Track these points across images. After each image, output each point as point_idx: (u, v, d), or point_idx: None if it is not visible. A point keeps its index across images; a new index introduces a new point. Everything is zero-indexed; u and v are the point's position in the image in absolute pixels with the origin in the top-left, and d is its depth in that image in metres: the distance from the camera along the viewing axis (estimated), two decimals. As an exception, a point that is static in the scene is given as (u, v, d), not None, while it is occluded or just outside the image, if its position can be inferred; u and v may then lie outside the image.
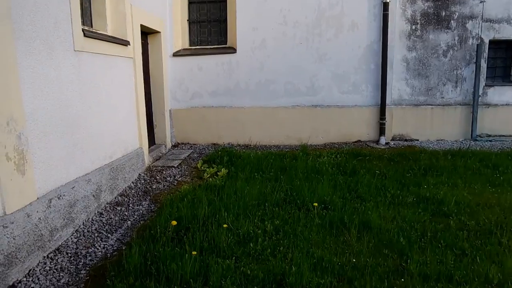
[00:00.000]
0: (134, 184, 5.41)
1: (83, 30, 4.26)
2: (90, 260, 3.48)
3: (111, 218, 4.32)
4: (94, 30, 4.76)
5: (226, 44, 7.79)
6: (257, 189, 4.78)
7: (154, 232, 3.67)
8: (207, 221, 3.90)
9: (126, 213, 4.48)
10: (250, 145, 7.69)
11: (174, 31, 7.60)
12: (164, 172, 5.94)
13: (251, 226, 3.80)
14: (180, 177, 5.79)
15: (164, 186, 5.41)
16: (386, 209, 4.24)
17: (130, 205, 4.74)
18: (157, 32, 6.89)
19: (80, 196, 4.06)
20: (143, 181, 5.55)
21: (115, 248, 3.71)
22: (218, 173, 5.76)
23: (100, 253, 3.62)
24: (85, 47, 4.29)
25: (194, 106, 7.75)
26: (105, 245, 3.75)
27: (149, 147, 6.75)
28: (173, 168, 6.11)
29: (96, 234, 3.95)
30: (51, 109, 3.72)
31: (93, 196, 4.33)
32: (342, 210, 4.17)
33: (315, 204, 4.21)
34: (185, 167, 6.27)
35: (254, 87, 7.56)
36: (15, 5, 3.22)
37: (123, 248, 3.61)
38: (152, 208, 4.65)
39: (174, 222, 3.63)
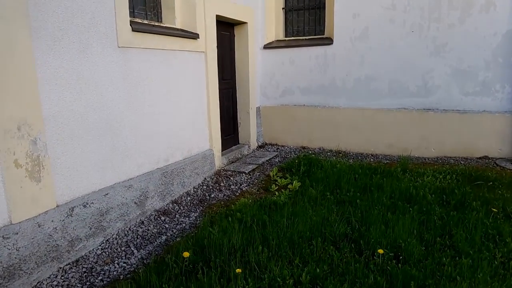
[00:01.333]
0: (195, 190, 5.01)
1: (131, 24, 3.94)
2: (101, 280, 3.16)
3: (148, 230, 3.98)
4: (148, 22, 4.42)
5: (324, 34, 6.78)
6: (319, 216, 3.83)
7: (169, 260, 3.14)
8: (234, 254, 3.19)
9: (167, 226, 4.08)
10: (343, 151, 6.58)
11: (267, 20, 6.94)
12: (232, 178, 5.41)
13: (283, 270, 2.94)
14: (246, 186, 5.17)
15: (224, 195, 4.88)
16: (490, 276, 2.83)
17: (177, 215, 4.34)
18: (244, 23, 6.34)
19: (115, 203, 3.81)
20: (205, 187, 5.12)
21: (132, 268, 3.32)
22: (289, 185, 4.96)
23: (115, 272, 3.27)
24: (133, 43, 3.98)
25: (284, 104, 7.01)
26: (125, 263, 3.39)
27: (227, 148, 6.33)
28: (243, 175, 5.53)
29: (123, 248, 3.63)
30: (83, 111, 3.49)
31: (135, 203, 4.05)
32: (419, 266, 2.95)
33: (381, 251, 3.08)
34: (258, 174, 5.62)
35: (351, 84, 6.39)
36: (33, 1, 3.00)
37: (140, 270, 3.18)
38: (198, 222, 4.15)
39: (186, 254, 3.02)
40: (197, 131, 5.25)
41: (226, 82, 6.29)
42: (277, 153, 6.67)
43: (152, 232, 3.94)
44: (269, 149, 6.95)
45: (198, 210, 4.46)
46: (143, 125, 4.23)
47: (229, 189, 5.06)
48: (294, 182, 4.99)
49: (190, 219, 4.25)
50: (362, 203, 4.17)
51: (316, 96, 6.72)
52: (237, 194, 4.90)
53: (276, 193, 4.71)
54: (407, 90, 5.99)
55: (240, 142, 6.81)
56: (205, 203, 4.64)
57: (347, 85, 6.43)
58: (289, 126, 6.98)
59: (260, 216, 3.90)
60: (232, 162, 6.09)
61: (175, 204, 4.57)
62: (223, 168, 5.75)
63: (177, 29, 4.79)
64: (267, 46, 6.95)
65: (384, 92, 6.15)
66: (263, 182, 5.30)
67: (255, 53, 6.78)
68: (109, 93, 3.76)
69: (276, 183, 5.12)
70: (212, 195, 4.87)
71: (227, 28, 6.21)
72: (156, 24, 4.58)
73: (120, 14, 3.79)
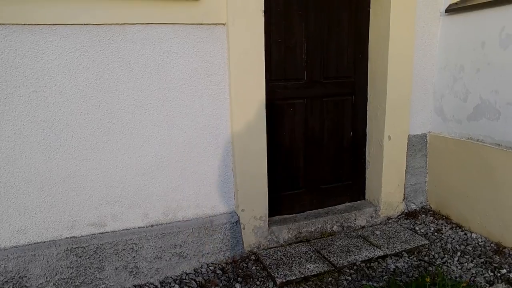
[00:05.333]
0: None
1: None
2: None
3: None
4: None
5: None
6: None
7: None
8: None
9: None
10: None
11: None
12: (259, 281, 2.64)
13: None
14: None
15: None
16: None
17: None
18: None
19: None
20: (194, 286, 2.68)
21: None
22: None
23: None
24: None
25: (474, 137, 3.08)
26: None
27: (317, 205, 3.39)
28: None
29: None
30: None
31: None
32: None
33: None
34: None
35: None
36: None
37: None
38: None
39: None
40: (195, 177, 2.80)
41: (324, 84, 3.25)
42: (429, 242, 3.01)
43: None
44: (420, 227, 3.27)
45: None
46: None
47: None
48: None
49: None
50: None
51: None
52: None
53: None
54: None
55: (367, 197, 3.57)
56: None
57: None
58: (480, 188, 3.02)
59: None
60: (300, 242, 3.13)
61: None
62: (264, 251, 2.97)
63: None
64: (454, 8, 3.15)
65: None
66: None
67: (422, 20, 3.21)
68: None
69: None
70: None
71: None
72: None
73: None
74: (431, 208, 3.54)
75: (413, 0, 3.10)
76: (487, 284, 2.50)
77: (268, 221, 3.09)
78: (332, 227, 3.24)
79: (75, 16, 2.31)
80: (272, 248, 3.03)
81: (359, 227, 3.33)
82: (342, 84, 3.31)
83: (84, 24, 2.35)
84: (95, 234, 2.63)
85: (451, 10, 3.17)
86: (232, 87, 2.71)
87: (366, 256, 2.85)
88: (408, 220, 3.39)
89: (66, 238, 2.56)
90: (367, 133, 3.46)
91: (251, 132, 2.81)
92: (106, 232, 2.65)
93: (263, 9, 2.66)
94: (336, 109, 3.33)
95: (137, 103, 2.57)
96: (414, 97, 3.35)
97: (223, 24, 2.65)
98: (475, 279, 2.56)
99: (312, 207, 3.39)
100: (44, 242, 2.50)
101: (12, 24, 2.21)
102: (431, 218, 3.39)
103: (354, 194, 3.56)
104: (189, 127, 2.72)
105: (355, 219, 3.33)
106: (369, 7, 3.24)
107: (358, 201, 3.56)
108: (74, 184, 2.52)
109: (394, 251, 2.91)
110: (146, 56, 2.53)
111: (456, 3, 3.13)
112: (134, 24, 2.46)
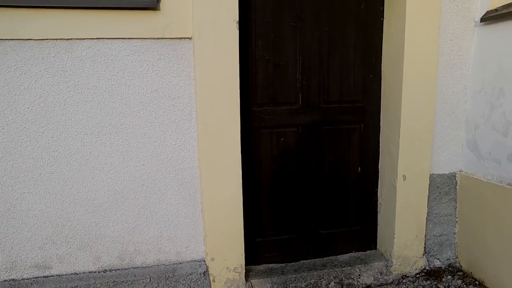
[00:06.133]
0: None
1: None
2: None
3: None
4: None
5: None
6: None
7: None
8: None
9: None
10: None
11: None
12: None
13: None
14: None
15: None
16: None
17: None
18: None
19: None
20: None
21: None
22: None
23: None
24: None
25: (520, 183, 2.35)
26: None
27: (313, 255, 2.82)
28: None
29: None
30: None
31: None
32: None
33: None
34: None
35: None
36: None
37: None
38: None
39: None
40: (156, 217, 2.38)
41: (325, 109, 2.70)
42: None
43: None
44: (447, 292, 2.58)
45: None
46: None
47: None
48: None
49: None
50: None
51: None
52: None
53: None
54: None
55: (378, 246, 2.92)
56: None
57: None
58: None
59: None
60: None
61: None
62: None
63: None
64: (493, 15, 2.47)
65: None
66: None
67: (450, 32, 2.56)
68: None
69: None
70: None
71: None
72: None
73: None
74: (461, 267, 2.81)
75: (436, 6, 2.48)
76: None
77: (249, 271, 2.59)
78: (329, 284, 2.65)
79: (12, 30, 2.02)
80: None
81: (364, 286, 2.70)
82: (348, 110, 2.74)
83: (25, 40, 2.06)
84: (38, 277, 2.30)
85: (488, 18, 2.50)
86: (199, 114, 2.27)
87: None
88: (429, 281, 2.69)
89: (4, 281, 2.25)
90: (379, 170, 2.84)
91: (223, 167, 2.34)
92: (51, 276, 2.32)
93: (237, 19, 2.21)
94: (340, 140, 2.76)
95: (87, 130, 2.23)
96: (440, 127, 2.68)
97: (189, 38, 2.24)
98: None
99: (308, 255, 2.82)
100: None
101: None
102: (459, 281, 2.66)
103: (363, 242, 2.93)
104: (149, 159, 2.32)
105: (359, 275, 2.71)
106: (383, 17, 2.66)
107: (368, 251, 2.92)
108: (14, 220, 2.21)
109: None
110: (97, 76, 2.18)
111: (495, 10, 2.45)
112: (82, 39, 2.13)
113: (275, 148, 2.65)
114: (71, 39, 2.12)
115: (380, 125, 2.79)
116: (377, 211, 2.90)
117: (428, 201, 2.72)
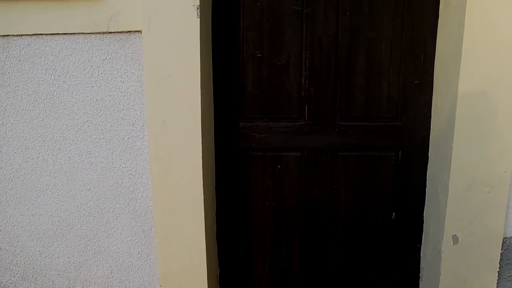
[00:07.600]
0: None
1: None
2: None
3: None
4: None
5: None
6: None
7: None
8: None
9: None
10: None
11: None
12: None
13: None
14: None
15: None
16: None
17: None
18: None
19: None
20: None
21: None
22: None
23: None
24: None
25: None
26: None
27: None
28: None
29: None
30: None
31: None
32: None
33: None
34: None
35: None
36: None
37: None
38: None
39: None
40: (105, 254, 1.93)
41: (342, 128, 1.90)
42: None
43: None
44: None
45: None
46: None
47: None
48: None
49: None
50: None
51: None
52: None
53: None
54: None
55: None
56: None
57: None
58: None
59: None
60: None
61: None
62: None
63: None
64: None
65: None
66: None
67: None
68: None
69: None
70: None
71: None
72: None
73: None
74: None
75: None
76: None
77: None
78: None
79: None
80: None
81: None
82: (378, 131, 1.91)
83: (-44, 37, 1.77)
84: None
85: None
86: (149, 131, 1.74)
87: None
88: None
89: (-50, 303, 2.05)
90: (424, 219, 1.95)
91: (181, 200, 1.77)
92: (-4, 305, 2.05)
93: (198, 3, 1.60)
94: (365, 172, 1.95)
95: (29, 144, 1.87)
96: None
97: (140, 32, 1.71)
98: None
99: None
100: None
101: None
102: None
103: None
104: (95, 184, 1.87)
105: None
106: (438, -3, 1.76)
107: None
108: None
109: None
110: (37, 80, 1.80)
111: None
112: (20, 35, 1.77)
113: (269, 178, 1.97)
114: (7, 35, 1.77)
115: (429, 155, 1.89)
116: (418, 277, 2.01)
117: (498, 279, 1.75)
